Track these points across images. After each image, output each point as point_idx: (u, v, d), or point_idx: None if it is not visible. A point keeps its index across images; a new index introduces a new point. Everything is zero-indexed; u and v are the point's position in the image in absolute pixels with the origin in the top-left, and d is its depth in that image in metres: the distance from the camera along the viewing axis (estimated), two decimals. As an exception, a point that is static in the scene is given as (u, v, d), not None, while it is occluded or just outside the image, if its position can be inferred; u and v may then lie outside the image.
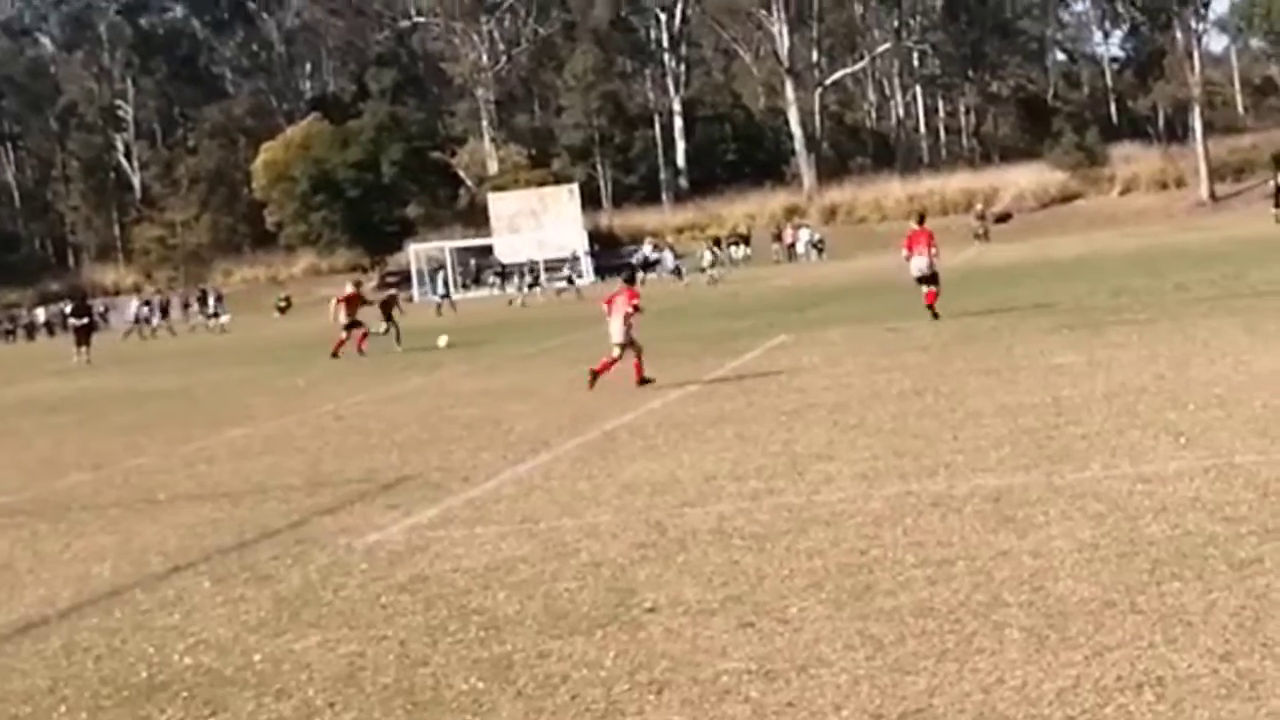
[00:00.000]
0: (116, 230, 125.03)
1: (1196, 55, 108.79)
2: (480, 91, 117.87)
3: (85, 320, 55.00)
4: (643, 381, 23.14)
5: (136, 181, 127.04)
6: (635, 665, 8.45)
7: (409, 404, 24.99)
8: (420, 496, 14.99)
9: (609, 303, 24.05)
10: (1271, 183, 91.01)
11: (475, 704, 8.10)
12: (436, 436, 19.84)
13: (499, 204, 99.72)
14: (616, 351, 23.59)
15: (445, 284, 73.91)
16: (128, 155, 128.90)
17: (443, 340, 35.20)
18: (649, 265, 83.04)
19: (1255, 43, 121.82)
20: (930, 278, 31.39)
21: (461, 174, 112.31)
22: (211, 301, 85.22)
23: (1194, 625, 8.08)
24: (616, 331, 23.57)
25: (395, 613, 10.27)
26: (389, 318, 40.17)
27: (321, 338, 42.19)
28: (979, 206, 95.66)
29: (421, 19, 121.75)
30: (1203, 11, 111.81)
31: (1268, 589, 8.59)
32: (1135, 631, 8.09)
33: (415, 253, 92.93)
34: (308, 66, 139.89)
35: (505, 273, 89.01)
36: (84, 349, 51.62)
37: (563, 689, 8.17)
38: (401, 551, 12.27)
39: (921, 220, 33.61)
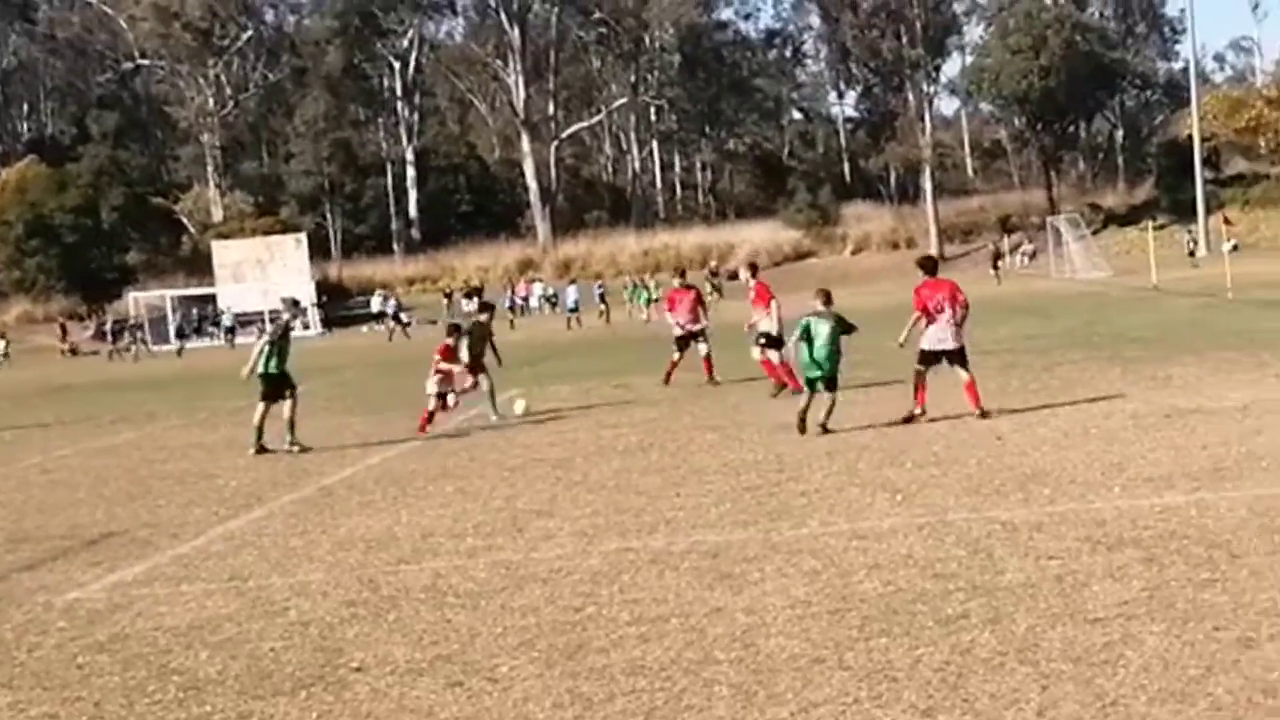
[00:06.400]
0: None
1: (928, 118, 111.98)
2: (206, 137, 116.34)
3: None
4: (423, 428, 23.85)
5: None
6: (338, 726, 8.37)
7: (119, 457, 24.46)
8: (126, 553, 14.68)
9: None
10: (991, 245, 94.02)
11: (168, 767, 7.95)
12: (146, 491, 19.46)
13: (223, 252, 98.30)
14: (432, 403, 24.14)
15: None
16: None
17: (519, 406, 25.68)
18: (377, 317, 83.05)
19: (985, 106, 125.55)
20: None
21: (185, 221, 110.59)
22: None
23: (899, 681, 8.26)
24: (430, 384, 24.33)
25: (92, 673, 10.05)
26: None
27: (35, 387, 41.03)
28: (712, 264, 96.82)
29: (146, 61, 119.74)
30: (934, 75, 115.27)
31: (972, 644, 8.81)
32: (842, 687, 8.23)
33: (135, 301, 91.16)
34: (25, 107, 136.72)
35: (238, 323, 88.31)
36: None
37: (261, 751, 8.06)
38: (102, 610, 12.01)
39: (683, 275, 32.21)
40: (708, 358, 28.94)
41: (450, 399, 24.45)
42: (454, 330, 25.77)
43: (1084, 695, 7.79)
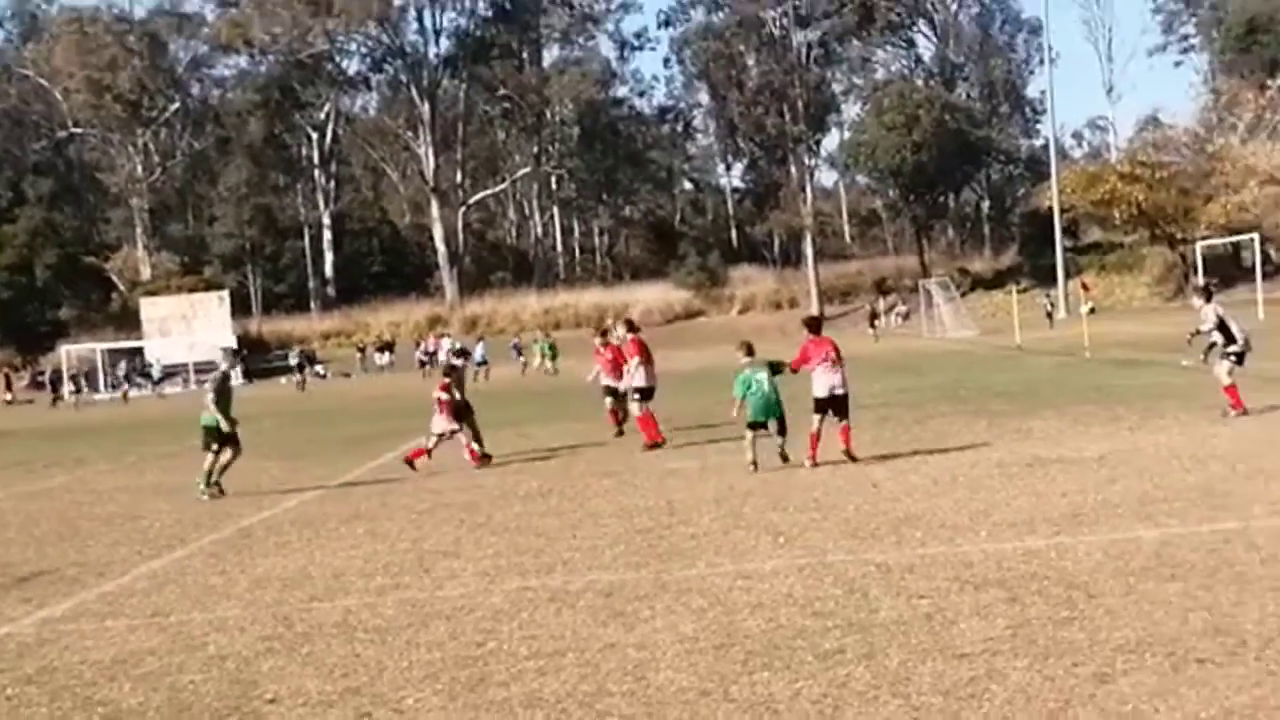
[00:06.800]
0: None
1: (809, 188, 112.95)
2: (135, 201, 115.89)
3: None
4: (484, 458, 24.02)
5: None
6: (252, 756, 8.23)
7: (50, 500, 24.09)
8: (54, 590, 14.44)
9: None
10: (868, 306, 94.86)
11: (89, 796, 7.78)
12: (75, 532, 19.16)
13: (151, 308, 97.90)
14: (432, 441, 24.11)
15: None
16: None
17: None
18: (294, 369, 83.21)
19: (862, 178, 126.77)
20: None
21: (115, 279, 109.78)
22: None
23: (780, 713, 8.21)
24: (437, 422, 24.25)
25: (21, 704, 9.86)
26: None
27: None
28: (609, 322, 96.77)
29: (79, 130, 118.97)
30: (814, 149, 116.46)
31: (848, 678, 8.79)
32: (727, 719, 8.18)
33: (67, 353, 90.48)
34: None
35: (166, 374, 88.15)
36: None
37: (178, 780, 7.91)
38: (31, 644, 11.81)
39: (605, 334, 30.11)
40: (618, 411, 28.17)
41: (454, 435, 24.27)
42: (451, 370, 25.60)
43: (952, 725, 7.79)
